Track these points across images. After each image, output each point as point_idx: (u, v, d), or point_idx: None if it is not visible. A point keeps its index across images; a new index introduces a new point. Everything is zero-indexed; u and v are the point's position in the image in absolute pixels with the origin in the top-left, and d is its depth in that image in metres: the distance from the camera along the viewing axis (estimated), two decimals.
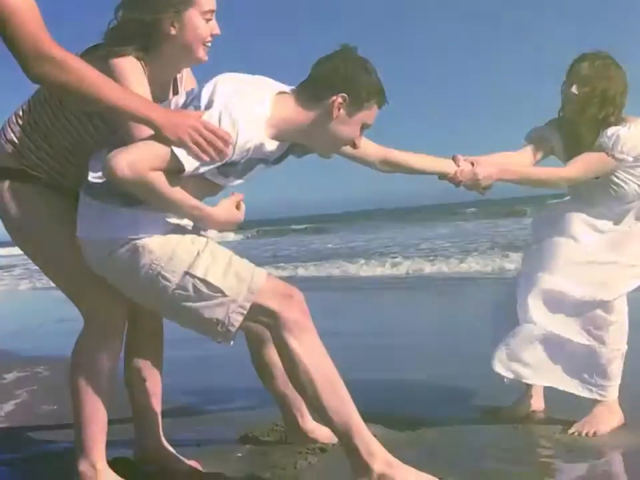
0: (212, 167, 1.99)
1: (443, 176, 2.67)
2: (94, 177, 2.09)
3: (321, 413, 2.18)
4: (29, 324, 7.73)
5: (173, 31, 2.12)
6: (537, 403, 3.07)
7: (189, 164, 1.95)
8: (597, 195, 2.89)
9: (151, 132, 1.97)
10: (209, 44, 2.19)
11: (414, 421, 3.01)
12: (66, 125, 2.24)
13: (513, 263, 9.52)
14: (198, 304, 2.07)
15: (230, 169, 2.05)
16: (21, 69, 1.82)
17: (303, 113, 2.08)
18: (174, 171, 1.96)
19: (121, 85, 2.01)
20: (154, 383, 2.56)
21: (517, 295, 2.85)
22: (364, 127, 2.14)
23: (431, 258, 12.01)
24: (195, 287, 2.05)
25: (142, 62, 2.15)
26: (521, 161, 2.89)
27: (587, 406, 2.84)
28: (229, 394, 3.74)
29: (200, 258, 2.07)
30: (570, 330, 2.78)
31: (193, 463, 2.58)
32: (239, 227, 2.32)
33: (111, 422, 2.36)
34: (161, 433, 2.61)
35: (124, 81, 2.05)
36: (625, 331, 2.81)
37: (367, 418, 2.17)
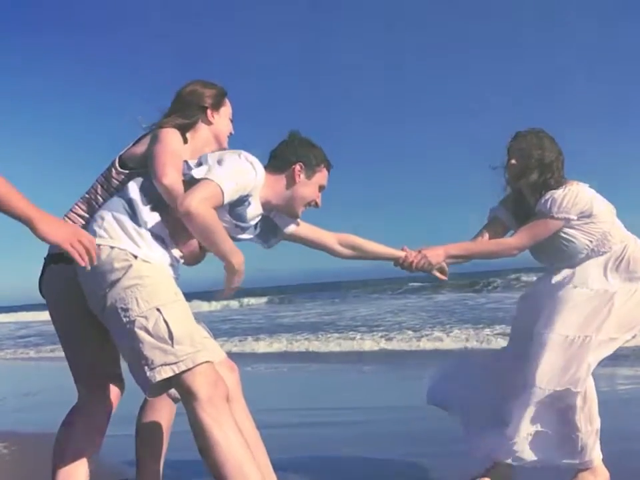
0: (233, 197, 2.40)
1: (396, 261, 3.05)
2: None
3: None
4: None
5: (212, 120, 2.67)
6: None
7: (227, 198, 2.36)
8: (552, 254, 3.05)
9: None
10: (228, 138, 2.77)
11: None
12: None
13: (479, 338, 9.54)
14: (147, 337, 2.19)
15: (242, 209, 2.48)
16: None
17: (275, 181, 2.60)
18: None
19: (163, 147, 2.41)
20: (160, 439, 2.75)
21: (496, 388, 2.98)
22: (320, 188, 2.67)
23: (399, 332, 11.98)
24: (156, 322, 2.20)
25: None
26: None
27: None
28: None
29: (175, 305, 2.27)
30: (545, 422, 2.84)
31: None
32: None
33: None
34: None
35: (164, 144, 2.42)
36: (595, 409, 2.83)
37: None
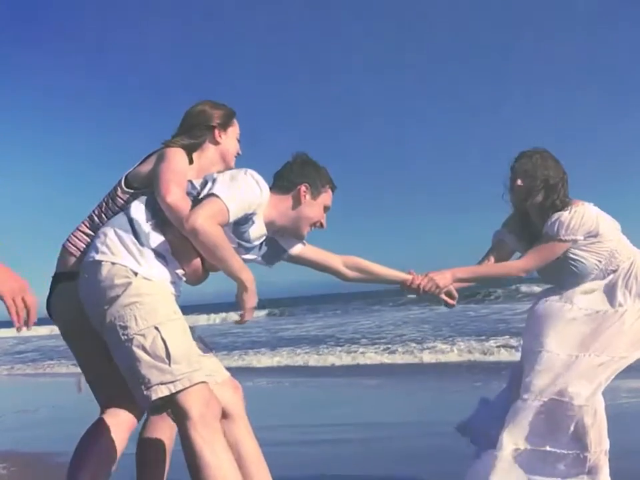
0: (239, 215, 2.39)
1: (402, 284, 3.02)
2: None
3: None
4: None
5: (220, 140, 2.69)
6: None
7: (232, 215, 2.36)
8: (562, 276, 3.04)
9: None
10: (235, 158, 2.77)
11: None
12: None
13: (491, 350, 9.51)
14: (144, 356, 2.20)
15: (245, 228, 2.47)
16: None
17: (280, 201, 2.59)
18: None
19: (167, 165, 2.42)
20: (161, 458, 2.70)
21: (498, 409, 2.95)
22: (325, 209, 2.67)
23: (402, 345, 11.90)
24: (154, 340, 2.20)
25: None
26: None
27: None
28: None
29: (173, 324, 2.26)
30: (551, 442, 2.79)
31: None
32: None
33: None
34: None
35: (168, 163, 2.42)
36: (604, 430, 2.78)
37: None
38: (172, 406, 2.23)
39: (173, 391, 2.18)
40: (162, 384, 2.18)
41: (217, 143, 2.69)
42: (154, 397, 2.19)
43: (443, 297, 3.03)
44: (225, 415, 2.52)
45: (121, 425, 2.50)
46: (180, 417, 2.20)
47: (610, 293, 2.99)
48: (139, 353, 2.20)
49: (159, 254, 2.35)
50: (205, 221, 2.26)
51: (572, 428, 2.76)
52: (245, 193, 2.40)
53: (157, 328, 2.21)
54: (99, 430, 2.49)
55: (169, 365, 2.18)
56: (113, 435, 2.47)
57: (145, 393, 2.20)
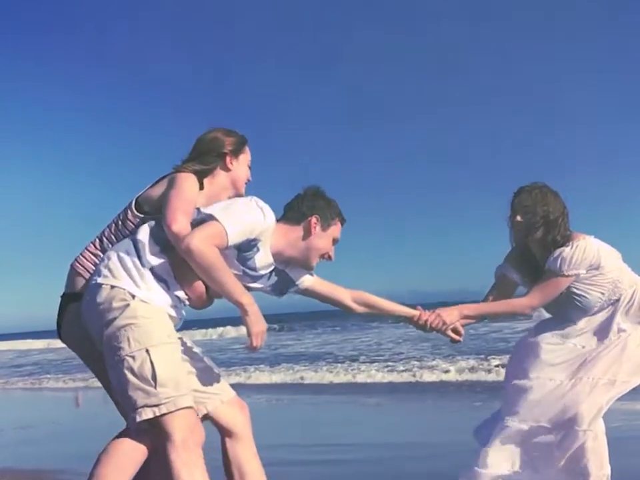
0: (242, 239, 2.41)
1: (410, 320, 3.04)
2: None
3: None
4: None
5: (231, 166, 2.72)
6: None
7: (231, 238, 2.37)
8: (567, 310, 3.05)
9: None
10: (246, 185, 2.80)
11: None
12: None
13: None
14: (132, 377, 2.25)
15: (250, 255, 2.48)
16: None
17: (289, 231, 2.62)
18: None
19: (177, 192, 2.46)
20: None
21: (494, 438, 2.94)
22: (334, 241, 2.70)
23: (401, 363, 11.86)
24: (142, 363, 2.25)
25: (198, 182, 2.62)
26: None
27: None
28: None
29: (165, 347, 2.29)
30: (553, 467, 2.81)
31: None
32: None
33: None
34: None
35: (178, 190, 2.46)
36: (606, 454, 2.80)
37: None
38: (157, 428, 2.26)
39: (158, 414, 2.22)
40: (147, 406, 2.22)
41: (228, 170, 2.72)
42: (138, 419, 2.23)
43: (450, 333, 3.05)
44: (229, 434, 2.58)
45: (138, 445, 2.45)
46: (163, 439, 2.24)
47: (610, 323, 2.99)
48: (128, 374, 2.24)
49: (160, 278, 2.38)
50: (200, 241, 2.28)
51: (574, 452, 2.77)
52: (246, 218, 2.42)
53: (147, 351, 2.25)
54: (115, 450, 2.46)
55: (155, 387, 2.22)
56: (128, 455, 2.43)
57: (131, 414, 2.25)
